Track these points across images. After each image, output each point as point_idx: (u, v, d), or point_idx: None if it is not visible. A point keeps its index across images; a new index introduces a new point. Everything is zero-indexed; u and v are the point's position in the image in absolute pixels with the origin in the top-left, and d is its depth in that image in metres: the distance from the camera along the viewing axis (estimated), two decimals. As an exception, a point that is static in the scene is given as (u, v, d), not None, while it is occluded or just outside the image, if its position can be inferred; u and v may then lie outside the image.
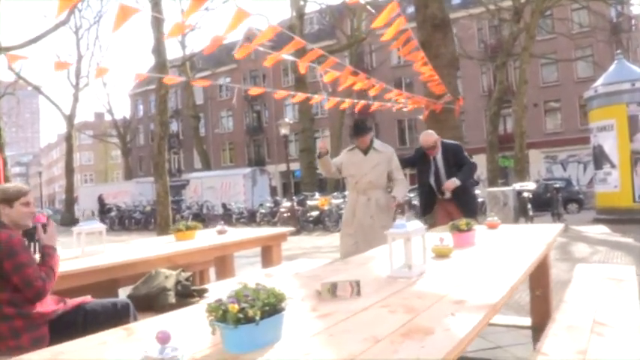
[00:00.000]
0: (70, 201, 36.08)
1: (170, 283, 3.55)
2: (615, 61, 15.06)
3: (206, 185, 27.18)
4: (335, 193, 22.51)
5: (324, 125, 40.47)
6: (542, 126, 35.34)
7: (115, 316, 3.20)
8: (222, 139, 49.29)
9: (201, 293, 3.76)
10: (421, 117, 11.49)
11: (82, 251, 4.27)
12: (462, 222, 3.47)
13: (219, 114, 49.43)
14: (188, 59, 32.36)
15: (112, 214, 25.14)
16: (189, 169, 45.60)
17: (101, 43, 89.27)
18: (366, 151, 5.29)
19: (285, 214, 18.85)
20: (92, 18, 55.01)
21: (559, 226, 4.49)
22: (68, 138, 36.47)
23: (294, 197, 19.73)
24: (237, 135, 48.52)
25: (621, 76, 13.98)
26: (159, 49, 15.75)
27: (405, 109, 10.97)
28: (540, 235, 3.82)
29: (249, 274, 5.09)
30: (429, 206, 6.07)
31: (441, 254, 3.06)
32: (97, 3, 61.91)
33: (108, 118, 51.49)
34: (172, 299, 3.48)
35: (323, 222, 17.49)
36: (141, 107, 55.27)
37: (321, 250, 9.73)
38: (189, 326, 1.89)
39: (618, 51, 16.60)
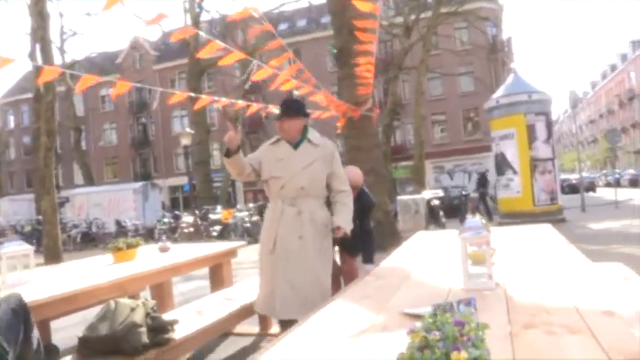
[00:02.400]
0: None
1: (139, 317, 2.83)
2: (511, 74, 15.80)
3: (93, 202, 25.13)
4: (238, 206, 21.71)
5: (219, 138, 39.39)
6: (430, 137, 36.75)
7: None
8: (106, 152, 46.37)
9: (173, 325, 3.07)
10: (337, 124, 11.20)
11: (3, 282, 3.39)
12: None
13: (102, 126, 46.56)
14: (69, 66, 29.99)
15: (-17, 236, 22.48)
16: (68, 185, 42.35)
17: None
18: (296, 144, 3.71)
19: (187, 229, 17.79)
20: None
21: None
22: None
23: (196, 211, 18.71)
24: (122, 148, 45.89)
25: (518, 88, 14.65)
26: (45, 51, 14.24)
27: (323, 116, 10.63)
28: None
29: (205, 300, 4.34)
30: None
31: (479, 260, 2.62)
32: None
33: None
34: (145, 338, 2.77)
35: (228, 236, 16.67)
36: (11, 118, 50.70)
37: (243, 265, 9.09)
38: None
39: (512, 65, 17.46)
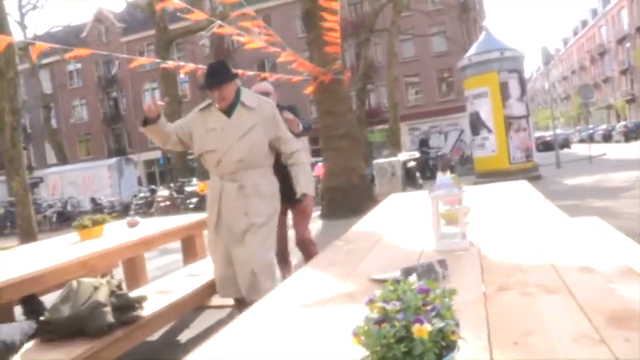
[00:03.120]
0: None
1: (103, 296, 2.71)
2: (483, 32, 15.68)
3: (66, 180, 24.67)
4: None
5: (186, 109, 38.92)
6: (404, 100, 36.62)
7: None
8: (78, 129, 45.52)
9: (141, 302, 2.96)
10: (307, 91, 11.03)
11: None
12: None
13: (72, 103, 45.54)
14: (30, 42, 29.05)
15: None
16: (41, 165, 41.54)
17: None
18: (229, 111, 3.38)
19: (163, 203, 17.59)
20: None
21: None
22: None
23: (171, 184, 18.47)
24: (93, 125, 45.08)
25: (490, 46, 14.51)
26: (1, 25, 13.69)
27: (294, 80, 10.44)
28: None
29: (177, 275, 4.22)
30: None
31: (452, 219, 2.53)
32: None
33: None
34: (111, 317, 2.65)
35: (205, 208, 16.53)
36: (-24, 99, 49.35)
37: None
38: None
39: (484, 23, 17.33)
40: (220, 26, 6.75)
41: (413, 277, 0.98)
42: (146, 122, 3.32)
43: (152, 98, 3.34)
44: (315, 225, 10.04)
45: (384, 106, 35.14)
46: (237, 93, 3.41)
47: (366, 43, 24.62)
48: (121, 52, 41.36)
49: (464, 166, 18.38)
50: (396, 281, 0.96)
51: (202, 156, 3.49)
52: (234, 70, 3.51)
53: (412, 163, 14.25)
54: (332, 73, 10.56)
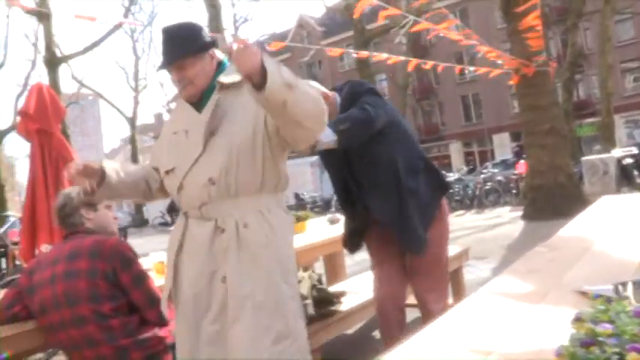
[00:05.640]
0: (139, 203, 36.54)
1: (305, 289, 2.89)
2: None
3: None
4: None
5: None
6: (620, 89, 33.08)
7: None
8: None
9: (339, 297, 3.10)
10: (512, 81, 10.56)
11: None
12: None
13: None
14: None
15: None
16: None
17: (156, 45, 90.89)
18: (201, 103, 2.00)
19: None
20: (145, 20, 55.81)
21: None
22: (132, 141, 36.95)
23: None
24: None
25: None
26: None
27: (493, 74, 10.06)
28: None
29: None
30: (357, 232, 2.86)
31: None
32: (148, 4, 62.33)
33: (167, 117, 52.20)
34: (311, 310, 2.82)
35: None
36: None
37: (451, 232, 9.02)
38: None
39: None
40: (415, 22, 6.77)
41: (628, 293, 0.89)
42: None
43: (68, 169, 1.96)
44: (516, 226, 9.57)
45: (595, 97, 32.14)
46: (220, 66, 2.05)
47: (574, 29, 22.69)
48: (320, 54, 43.56)
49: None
50: (608, 300, 0.88)
51: (164, 183, 2.12)
52: (210, 35, 2.05)
53: (629, 160, 12.80)
54: (535, 65, 9.96)
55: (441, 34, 6.93)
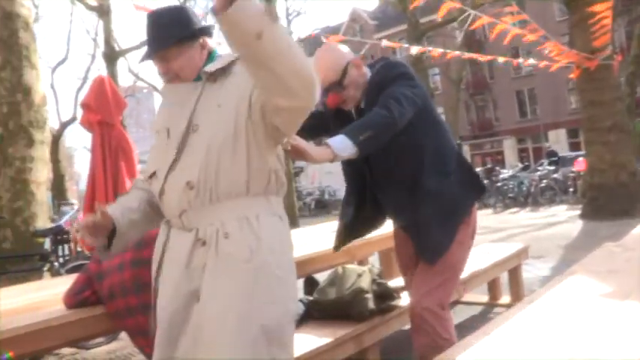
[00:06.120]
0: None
1: (366, 283, 2.88)
2: None
3: (325, 170, 26.72)
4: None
5: (438, 102, 39.07)
6: (687, 84, 31.57)
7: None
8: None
9: (399, 292, 3.07)
10: (572, 75, 10.22)
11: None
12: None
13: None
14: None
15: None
16: (302, 157, 45.63)
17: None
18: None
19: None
20: (202, 13, 56.80)
21: None
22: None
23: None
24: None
25: None
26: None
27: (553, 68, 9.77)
28: None
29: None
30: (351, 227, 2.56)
31: None
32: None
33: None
34: (372, 304, 2.81)
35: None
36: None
37: (505, 229, 8.81)
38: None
39: None
40: (475, 16, 6.63)
41: None
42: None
43: (76, 232, 1.90)
44: (574, 225, 9.30)
45: (661, 92, 30.78)
46: (210, 56, 1.80)
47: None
48: (374, 48, 43.32)
49: None
50: None
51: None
52: (201, 21, 1.84)
53: None
54: (599, 59, 9.61)
55: (505, 29, 6.76)
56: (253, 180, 1.65)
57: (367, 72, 2.31)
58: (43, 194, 5.70)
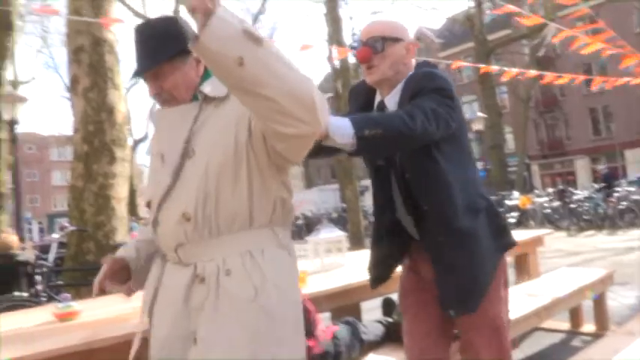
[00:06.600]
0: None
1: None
2: None
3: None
4: (536, 191, 20.73)
5: (505, 121, 38.24)
6: None
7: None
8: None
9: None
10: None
11: (322, 264, 3.74)
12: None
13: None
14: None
15: (299, 222, 25.63)
16: (365, 175, 45.67)
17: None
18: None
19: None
20: (267, 34, 58.07)
21: None
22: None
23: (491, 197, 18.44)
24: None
25: None
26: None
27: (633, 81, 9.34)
28: None
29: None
30: (387, 263, 2.16)
31: None
32: (270, 19, 64.88)
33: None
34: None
35: (526, 223, 16.11)
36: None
37: (546, 255, 8.51)
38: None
39: None
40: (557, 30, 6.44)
41: None
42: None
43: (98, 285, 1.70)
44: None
45: None
46: (203, 77, 1.63)
47: None
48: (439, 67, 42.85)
49: None
50: None
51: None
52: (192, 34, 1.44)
53: None
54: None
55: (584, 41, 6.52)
56: (257, 210, 1.49)
57: (411, 68, 2.01)
58: (123, 209, 5.93)
